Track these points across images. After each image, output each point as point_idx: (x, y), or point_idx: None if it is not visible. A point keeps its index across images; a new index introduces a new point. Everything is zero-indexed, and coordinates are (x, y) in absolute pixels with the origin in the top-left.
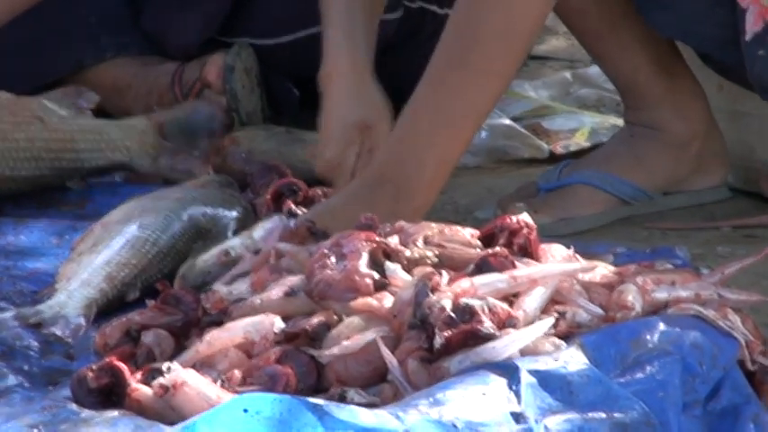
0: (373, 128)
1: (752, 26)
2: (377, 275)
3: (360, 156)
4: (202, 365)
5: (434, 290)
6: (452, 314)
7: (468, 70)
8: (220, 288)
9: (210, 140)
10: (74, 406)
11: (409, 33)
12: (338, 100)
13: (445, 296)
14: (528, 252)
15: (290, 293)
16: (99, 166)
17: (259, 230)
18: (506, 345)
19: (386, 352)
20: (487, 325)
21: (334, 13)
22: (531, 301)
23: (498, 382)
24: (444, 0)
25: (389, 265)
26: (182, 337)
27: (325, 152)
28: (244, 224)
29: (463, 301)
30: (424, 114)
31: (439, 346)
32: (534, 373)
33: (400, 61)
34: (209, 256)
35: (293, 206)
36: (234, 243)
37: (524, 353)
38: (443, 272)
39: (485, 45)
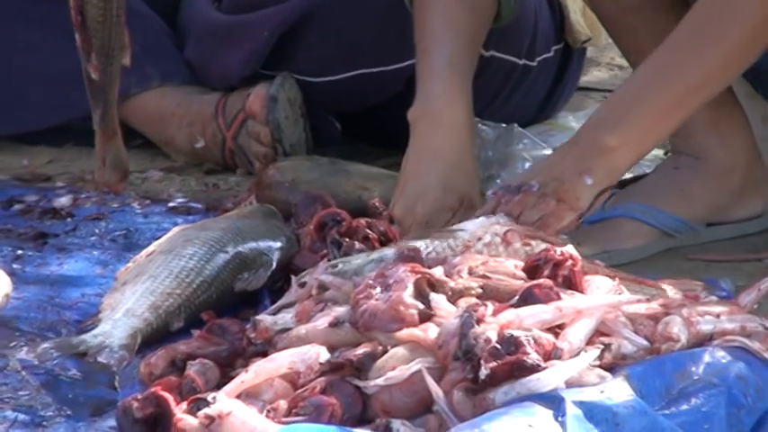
0: (469, 203)
1: None
2: (422, 306)
3: (448, 223)
4: (248, 396)
5: (479, 321)
6: (498, 345)
7: (691, 66)
8: (265, 318)
9: None
10: None
11: None
12: (437, 155)
13: (490, 327)
14: (572, 284)
15: (336, 324)
16: None
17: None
18: (552, 376)
19: (431, 383)
20: (533, 356)
21: (435, 38)
22: (577, 332)
23: (544, 414)
24: (489, 42)
25: (434, 295)
26: (227, 367)
27: (418, 205)
28: (288, 255)
29: (508, 332)
30: (639, 84)
31: (484, 377)
32: (580, 404)
33: None
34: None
35: (337, 236)
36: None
37: (570, 384)
38: (488, 303)
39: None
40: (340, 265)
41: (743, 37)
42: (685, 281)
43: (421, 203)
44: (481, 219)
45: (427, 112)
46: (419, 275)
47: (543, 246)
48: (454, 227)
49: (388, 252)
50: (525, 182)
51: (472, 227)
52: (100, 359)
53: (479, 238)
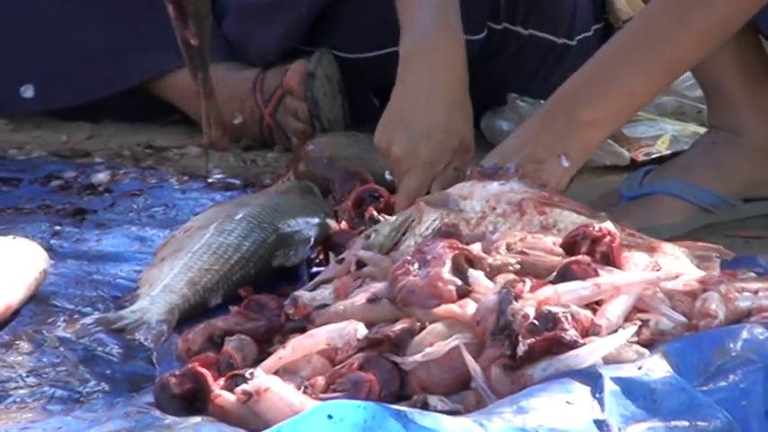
0: (465, 146)
1: None
2: (460, 282)
3: (446, 167)
4: (285, 372)
5: (517, 297)
6: (536, 321)
7: (669, 39)
8: (304, 294)
9: None
10: (157, 412)
11: (492, 53)
12: (436, 95)
13: (528, 303)
14: (610, 260)
15: (374, 300)
16: None
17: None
18: (590, 352)
19: (469, 359)
20: (571, 332)
21: None
22: (614, 308)
23: (582, 390)
24: (528, 21)
25: (472, 271)
26: (265, 344)
27: (421, 146)
28: (325, 231)
29: (546, 308)
30: (614, 57)
31: (522, 354)
32: (617, 380)
33: (483, 81)
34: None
35: (375, 213)
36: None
37: (607, 360)
38: (526, 279)
39: (691, 29)
40: (373, 235)
41: (721, 15)
42: (702, 244)
43: (425, 144)
44: (494, 185)
45: (422, 49)
46: (457, 251)
47: (557, 211)
48: (461, 191)
49: (410, 213)
50: (500, 164)
51: (484, 193)
52: (138, 335)
53: (493, 209)
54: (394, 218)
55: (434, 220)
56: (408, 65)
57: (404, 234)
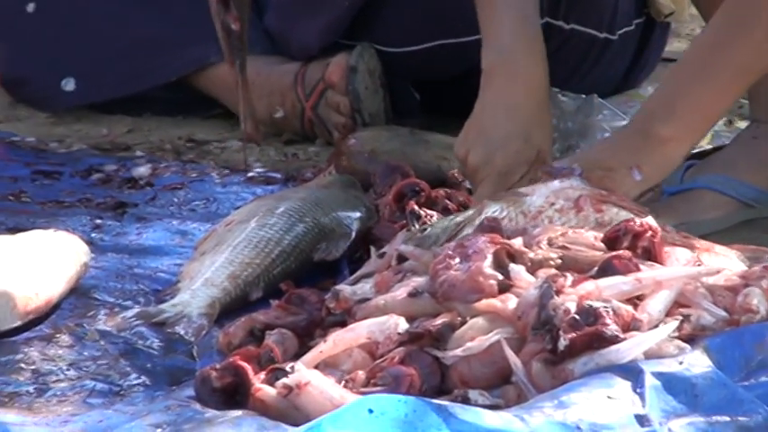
0: (542, 158)
1: None
2: (501, 277)
3: (522, 178)
4: (326, 366)
5: (559, 292)
6: (577, 316)
7: (732, 50)
8: (345, 288)
9: None
10: (197, 405)
11: None
12: (516, 108)
13: (569, 298)
14: (652, 255)
15: (414, 294)
16: None
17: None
18: (631, 347)
19: (510, 353)
20: (612, 327)
21: None
22: (656, 303)
23: (622, 385)
24: (570, 15)
25: (513, 266)
26: (305, 337)
27: (498, 155)
28: (367, 225)
29: (587, 303)
30: (684, 74)
31: (563, 348)
32: (658, 375)
33: None
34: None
35: (416, 207)
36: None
37: (648, 355)
38: (567, 274)
39: (750, 38)
40: (429, 229)
41: None
42: (754, 247)
43: (501, 153)
44: (555, 182)
45: (504, 63)
46: (498, 246)
47: (614, 210)
48: (525, 189)
49: (470, 213)
50: (569, 166)
51: (545, 190)
52: (178, 329)
53: (552, 204)
54: (455, 215)
55: (495, 212)
56: (490, 79)
57: (462, 228)
